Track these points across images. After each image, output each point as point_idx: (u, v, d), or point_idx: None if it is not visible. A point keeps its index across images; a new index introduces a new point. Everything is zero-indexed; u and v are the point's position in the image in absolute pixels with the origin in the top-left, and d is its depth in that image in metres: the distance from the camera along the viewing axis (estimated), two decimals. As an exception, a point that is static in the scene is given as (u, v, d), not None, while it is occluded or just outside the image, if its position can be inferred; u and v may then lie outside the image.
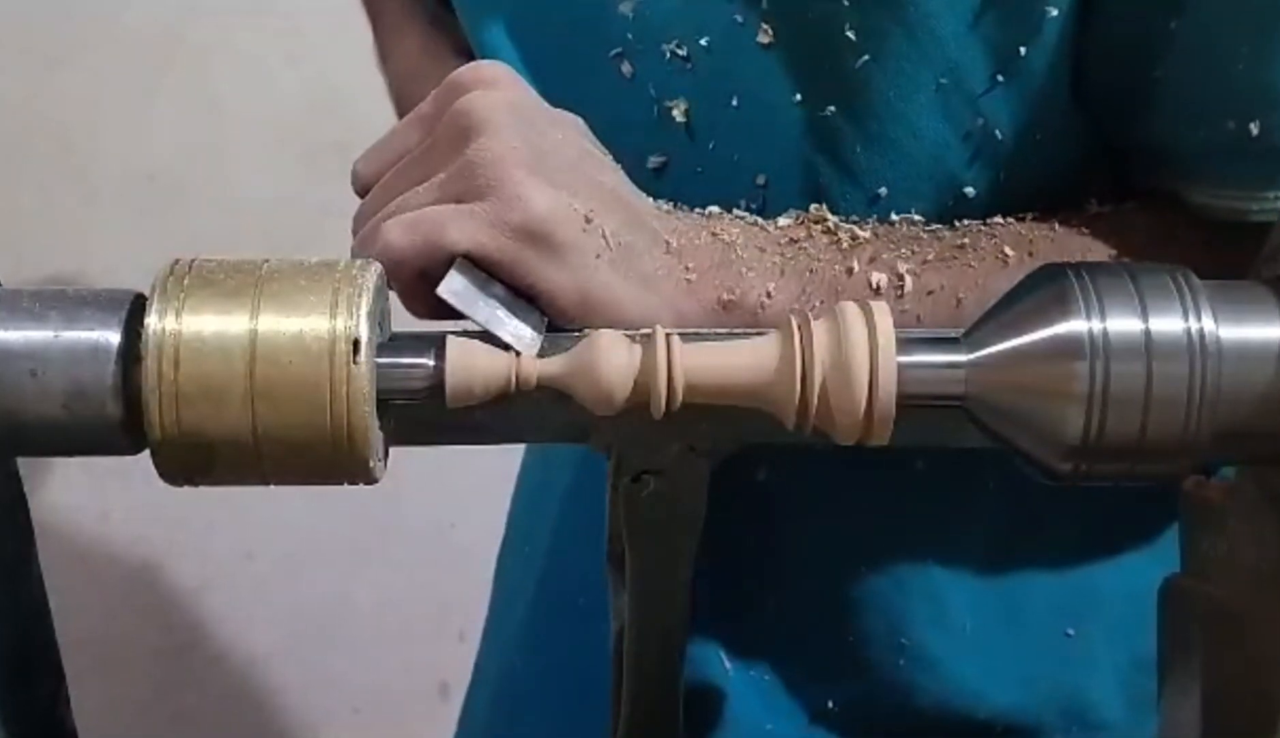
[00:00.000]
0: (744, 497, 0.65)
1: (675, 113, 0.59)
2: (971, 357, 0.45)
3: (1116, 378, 0.43)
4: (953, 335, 0.47)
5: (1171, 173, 0.59)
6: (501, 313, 0.50)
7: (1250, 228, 0.56)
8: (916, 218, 0.59)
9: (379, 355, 0.46)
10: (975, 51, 0.56)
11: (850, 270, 0.56)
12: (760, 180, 0.59)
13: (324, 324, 0.44)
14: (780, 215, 0.58)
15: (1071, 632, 0.67)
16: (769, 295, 0.55)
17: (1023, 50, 0.56)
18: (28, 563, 0.51)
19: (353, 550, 1.44)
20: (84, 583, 1.38)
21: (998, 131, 0.58)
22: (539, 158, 0.52)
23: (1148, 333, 0.43)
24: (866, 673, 0.67)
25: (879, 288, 0.56)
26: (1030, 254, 0.57)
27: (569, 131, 0.55)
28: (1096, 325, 0.44)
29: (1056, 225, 0.59)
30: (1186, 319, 0.44)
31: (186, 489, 0.47)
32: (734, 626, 0.67)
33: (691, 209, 0.58)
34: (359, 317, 0.44)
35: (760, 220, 0.58)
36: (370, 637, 1.47)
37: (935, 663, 0.66)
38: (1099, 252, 0.58)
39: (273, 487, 0.46)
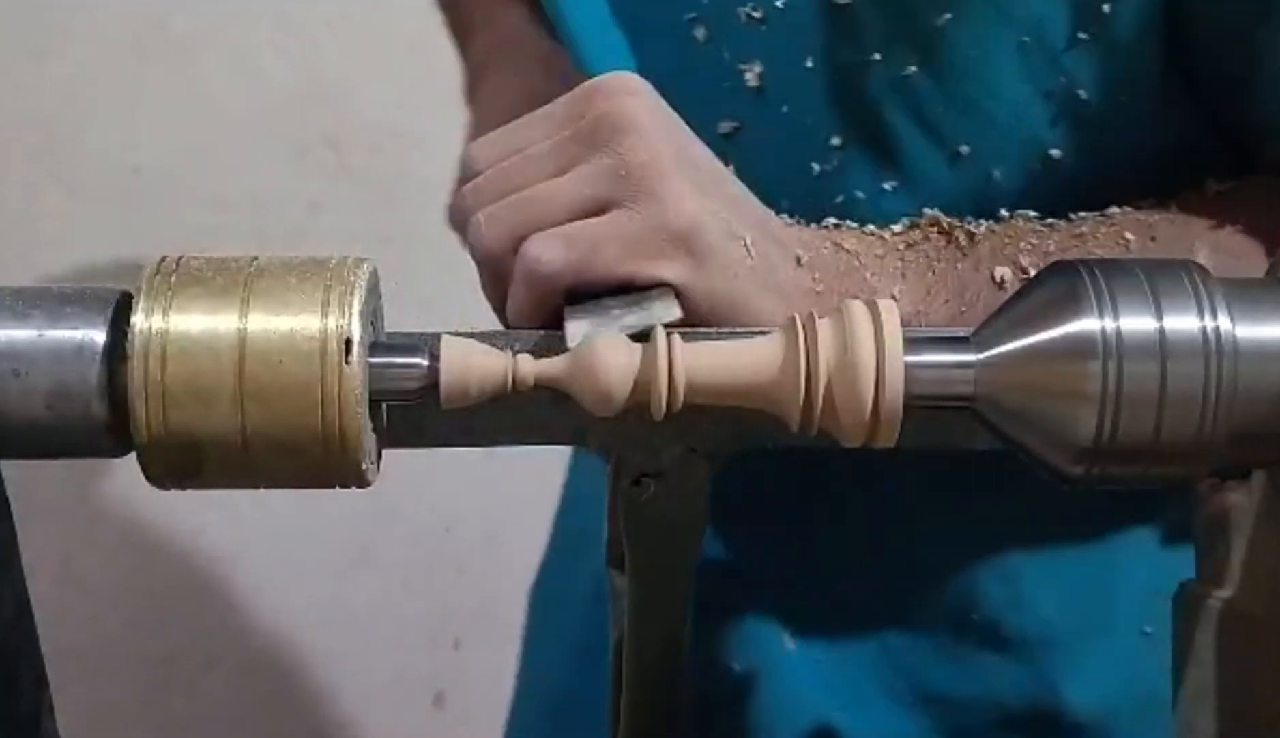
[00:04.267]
0: (815, 474, 0.64)
1: (749, 77, 0.59)
2: (981, 356, 0.45)
3: (1130, 378, 0.42)
4: (961, 334, 0.46)
5: None
6: (630, 316, 0.49)
7: None
8: (1031, 213, 0.58)
9: (372, 355, 0.45)
10: (1058, 8, 0.56)
11: (975, 266, 0.56)
12: (836, 142, 0.59)
13: (315, 323, 0.43)
14: (894, 222, 0.58)
15: (1149, 630, 0.66)
16: (894, 299, 0.54)
17: (1106, 8, 0.56)
18: (11, 567, 0.50)
19: (345, 556, 1.43)
20: (69, 588, 1.37)
21: (1081, 91, 0.57)
22: (687, 164, 0.52)
23: (1162, 332, 0.43)
24: (934, 653, 0.66)
25: (1003, 282, 0.56)
26: (1152, 238, 0.57)
27: (702, 144, 0.54)
28: (1109, 324, 0.43)
29: (1175, 208, 0.58)
30: (1202, 318, 0.43)
31: (174, 492, 0.46)
32: (800, 605, 0.67)
33: (764, 180, 0.57)
34: (351, 315, 0.44)
35: (874, 229, 0.58)
36: (363, 645, 1.46)
37: (1008, 644, 0.66)
38: (1224, 232, 0.57)
39: (263, 490, 0.46)
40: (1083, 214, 0.58)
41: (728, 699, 0.67)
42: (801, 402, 0.45)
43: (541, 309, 0.51)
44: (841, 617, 0.67)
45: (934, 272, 0.56)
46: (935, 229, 0.57)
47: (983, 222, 0.58)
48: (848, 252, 0.56)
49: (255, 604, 1.44)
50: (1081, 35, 0.56)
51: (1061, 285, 0.44)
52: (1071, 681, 0.66)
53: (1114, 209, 0.59)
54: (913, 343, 0.44)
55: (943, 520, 0.65)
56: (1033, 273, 0.55)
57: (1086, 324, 0.43)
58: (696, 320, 0.51)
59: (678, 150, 0.52)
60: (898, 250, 0.56)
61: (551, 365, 0.46)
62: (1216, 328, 0.42)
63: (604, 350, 0.45)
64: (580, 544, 0.79)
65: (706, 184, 0.52)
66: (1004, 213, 0.58)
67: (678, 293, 0.50)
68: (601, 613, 0.75)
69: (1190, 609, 0.47)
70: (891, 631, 0.67)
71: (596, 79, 0.53)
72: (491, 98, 0.72)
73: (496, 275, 0.53)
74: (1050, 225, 0.58)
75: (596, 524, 0.77)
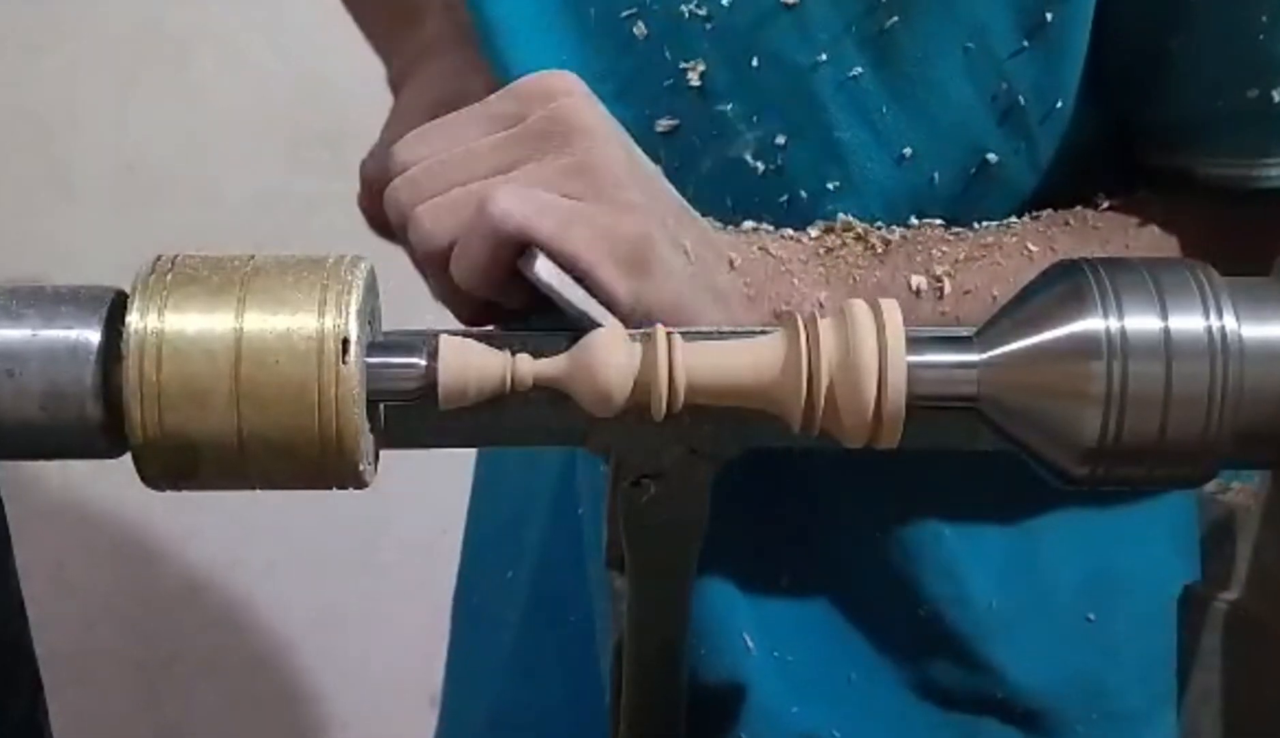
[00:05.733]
0: (759, 463, 0.64)
1: (691, 75, 0.59)
2: (984, 356, 0.44)
3: (1135, 378, 0.42)
4: (965, 334, 0.46)
5: (1183, 146, 0.60)
6: (585, 305, 0.49)
7: (1255, 195, 0.58)
8: (937, 222, 0.59)
9: (369, 355, 0.45)
10: (1003, 15, 0.57)
11: (891, 275, 0.57)
12: (780, 141, 0.59)
13: (312, 323, 0.43)
14: (810, 225, 0.59)
15: (1093, 617, 0.67)
16: (820, 304, 0.56)
17: (1049, 16, 0.57)
18: (4, 570, 0.50)
19: (342, 558, 1.42)
20: (64, 591, 1.36)
21: (1021, 97, 0.58)
22: (635, 170, 0.52)
23: (1167, 331, 0.42)
24: (882, 645, 0.67)
25: (919, 291, 0.57)
26: (1052, 248, 0.58)
27: (638, 148, 0.54)
28: (1114, 324, 0.42)
29: (1071, 220, 0.60)
30: (1207, 317, 0.43)
31: (169, 494, 0.46)
32: (755, 601, 0.67)
33: (703, 179, 0.59)
34: (348, 314, 0.43)
35: (793, 232, 0.58)
36: (360, 647, 1.45)
37: (951, 638, 0.66)
38: (1116, 241, 0.59)
39: (259, 491, 0.45)
40: (987, 224, 0.60)
41: (690, 699, 0.67)
42: (803, 402, 0.44)
43: (495, 264, 0.50)
44: (798, 615, 0.67)
45: (854, 278, 0.57)
46: (851, 234, 0.58)
47: (895, 228, 0.59)
48: (774, 257, 0.56)
49: (251, 607, 1.44)
50: (1025, 42, 0.57)
51: (1066, 284, 0.44)
52: (1015, 668, 0.66)
53: (1014, 219, 0.60)
54: (915, 343, 0.44)
55: (881, 515, 0.66)
56: (946, 283, 0.57)
57: (1091, 324, 0.43)
58: (634, 326, 0.51)
59: (627, 155, 0.52)
60: (818, 255, 0.57)
61: (550, 365, 0.45)
62: (1222, 328, 0.42)
63: (603, 350, 0.45)
64: (506, 553, 0.79)
65: (651, 190, 0.53)
66: (914, 220, 0.59)
67: (623, 302, 0.50)
68: (538, 621, 0.75)
69: (1196, 612, 0.47)
70: (843, 627, 0.67)
71: (532, 77, 0.53)
72: (419, 90, 0.70)
73: (441, 270, 0.52)
74: (958, 234, 0.59)
75: (517, 532, 0.77)
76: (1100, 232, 0.59)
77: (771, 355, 0.45)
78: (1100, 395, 0.42)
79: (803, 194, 0.60)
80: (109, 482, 1.33)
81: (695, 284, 0.53)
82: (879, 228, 0.58)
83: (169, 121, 1.32)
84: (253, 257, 0.45)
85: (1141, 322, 0.42)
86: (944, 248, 0.58)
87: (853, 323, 0.44)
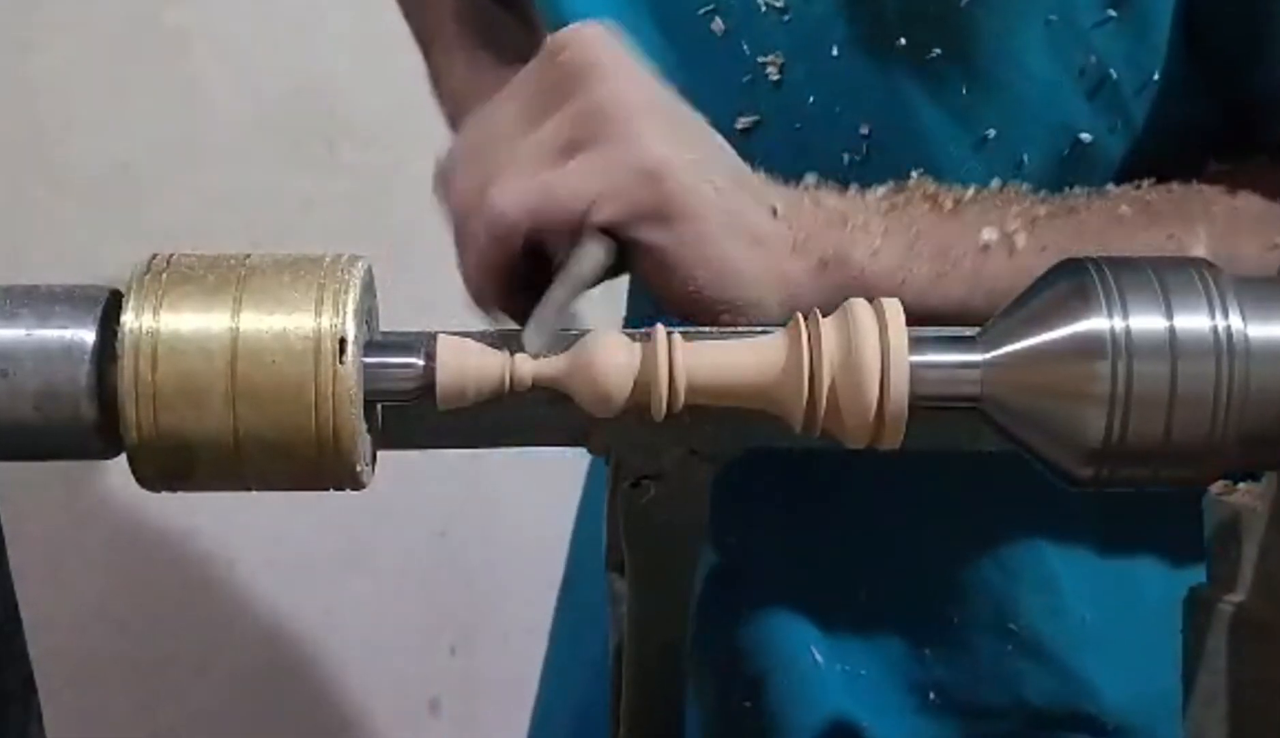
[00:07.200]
0: (839, 474, 0.64)
1: (770, 69, 0.59)
2: (987, 356, 0.44)
3: (1139, 378, 0.42)
4: (968, 334, 0.45)
5: None
6: (567, 286, 0.49)
7: None
8: (1024, 186, 0.58)
9: (366, 354, 0.44)
10: None
11: (960, 229, 0.55)
12: (864, 130, 0.59)
13: (309, 322, 0.43)
14: (879, 184, 0.57)
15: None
16: (874, 253, 0.54)
17: None
18: (-1, 572, 0.49)
19: (339, 560, 1.42)
20: (58, 592, 1.36)
21: (1112, 70, 0.57)
22: (656, 108, 0.51)
23: (1172, 331, 0.42)
24: (970, 660, 0.66)
25: (988, 245, 0.55)
26: (1148, 211, 0.57)
27: (674, 92, 0.54)
28: (1118, 323, 0.42)
29: (1174, 186, 0.58)
30: (1213, 317, 0.42)
31: (165, 495, 0.46)
32: (825, 614, 0.66)
33: (786, 173, 0.57)
34: (345, 314, 0.43)
35: (858, 189, 0.57)
36: (358, 650, 1.45)
37: (1047, 652, 0.65)
38: (1221, 204, 0.57)
39: (256, 492, 0.45)
40: (1078, 189, 0.58)
41: (754, 711, 0.66)
42: (805, 403, 0.44)
43: (499, 260, 0.50)
44: (875, 630, 0.67)
45: (916, 230, 0.55)
46: (920, 192, 0.57)
47: (971, 186, 0.57)
48: (828, 208, 0.55)
49: (248, 609, 1.43)
50: (1110, 12, 0.56)
51: (1070, 283, 0.43)
52: (1106, 683, 0.65)
53: (1111, 186, 0.58)
54: (918, 342, 0.44)
55: (977, 530, 0.65)
56: (1021, 238, 0.55)
57: (1095, 323, 0.42)
58: (663, 265, 0.51)
59: (646, 94, 0.51)
60: (880, 212, 0.56)
61: (550, 365, 0.45)
62: (1228, 327, 0.42)
63: (603, 350, 0.44)
64: (600, 550, 0.79)
65: (677, 129, 0.52)
66: (996, 182, 0.58)
67: (642, 241, 0.50)
68: None
69: (1201, 614, 0.47)
70: (928, 642, 0.66)
71: (556, 34, 0.52)
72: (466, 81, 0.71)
73: (464, 233, 0.52)
74: (1042, 197, 0.57)
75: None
76: (1204, 194, 0.57)
77: (773, 355, 0.45)
78: (1104, 396, 0.42)
79: (890, 183, 0.59)
80: (104, 482, 1.33)
81: (723, 222, 0.51)
82: (954, 189, 0.57)
83: (164, 120, 1.31)
84: (249, 255, 0.45)
85: (1146, 321, 0.42)
86: (1023, 205, 0.56)
87: (854, 322, 0.44)
